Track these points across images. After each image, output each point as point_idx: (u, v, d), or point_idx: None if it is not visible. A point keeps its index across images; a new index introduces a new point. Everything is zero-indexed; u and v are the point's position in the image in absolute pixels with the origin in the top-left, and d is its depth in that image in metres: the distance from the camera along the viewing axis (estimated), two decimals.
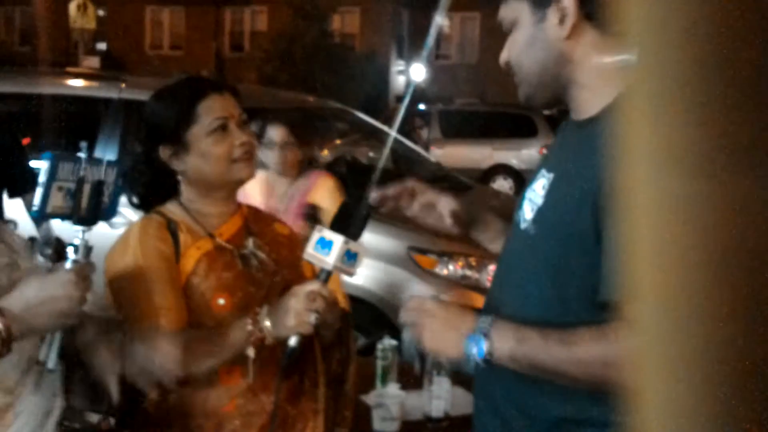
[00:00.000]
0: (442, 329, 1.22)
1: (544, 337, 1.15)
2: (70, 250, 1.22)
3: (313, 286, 1.37)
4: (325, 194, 3.02)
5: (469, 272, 3.82)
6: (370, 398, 2.14)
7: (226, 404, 1.46)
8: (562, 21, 1.18)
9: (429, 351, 1.25)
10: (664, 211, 0.37)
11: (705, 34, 0.36)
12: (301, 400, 1.53)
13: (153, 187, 1.55)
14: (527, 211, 1.28)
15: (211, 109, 1.49)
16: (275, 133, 3.01)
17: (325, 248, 1.38)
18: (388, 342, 2.30)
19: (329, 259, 1.37)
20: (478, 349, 1.18)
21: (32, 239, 1.19)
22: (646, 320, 0.39)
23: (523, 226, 1.27)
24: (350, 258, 1.39)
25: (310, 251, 1.40)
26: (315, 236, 1.40)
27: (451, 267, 3.84)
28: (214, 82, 1.56)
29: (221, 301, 1.45)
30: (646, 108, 0.37)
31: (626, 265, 0.39)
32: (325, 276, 1.39)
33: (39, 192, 1.13)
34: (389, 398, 2.06)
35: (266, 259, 1.56)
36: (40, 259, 1.15)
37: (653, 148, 0.37)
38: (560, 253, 1.18)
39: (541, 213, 1.24)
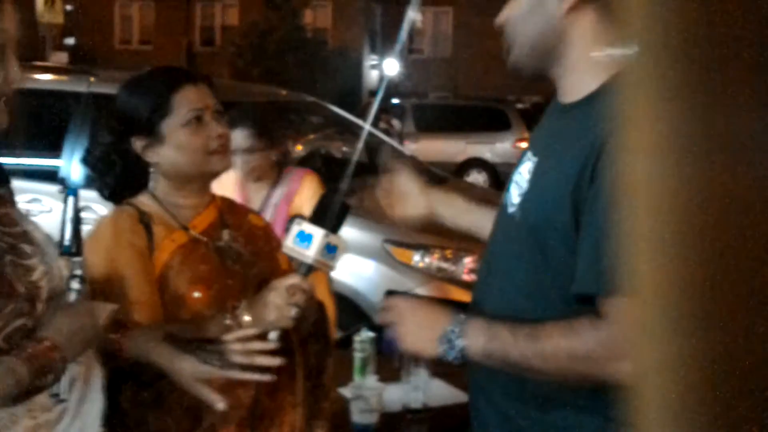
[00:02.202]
0: (417, 328, 1.23)
1: (514, 333, 1.16)
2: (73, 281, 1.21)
3: (292, 279, 1.36)
4: (312, 197, 2.70)
5: (444, 264, 3.83)
6: (348, 390, 2.14)
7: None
8: None
9: (405, 350, 1.26)
10: (655, 199, 0.37)
11: (705, 29, 0.35)
12: (279, 393, 1.51)
13: (124, 179, 1.51)
14: (514, 195, 1.27)
15: (186, 100, 1.46)
16: (239, 137, 2.61)
17: (304, 242, 1.36)
18: (365, 334, 2.29)
19: (309, 253, 1.36)
20: (452, 347, 1.19)
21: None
22: (638, 313, 0.39)
23: (510, 210, 1.27)
24: (330, 251, 1.38)
25: (290, 244, 1.38)
26: (294, 229, 1.39)
27: (427, 259, 3.84)
28: (189, 73, 1.53)
29: (197, 294, 1.43)
30: (642, 96, 0.37)
31: (615, 256, 0.38)
32: (305, 270, 1.37)
33: (69, 228, 1.13)
34: (368, 390, 2.06)
35: (242, 251, 1.54)
36: (73, 292, 1.16)
37: (646, 136, 0.37)
38: (542, 239, 1.18)
39: (525, 197, 1.24)
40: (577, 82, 1.21)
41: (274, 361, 1.30)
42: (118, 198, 1.52)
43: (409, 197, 1.60)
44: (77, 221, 1.13)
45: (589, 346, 1.10)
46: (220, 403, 1.27)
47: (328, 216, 1.39)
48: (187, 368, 1.26)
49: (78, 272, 1.14)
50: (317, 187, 2.81)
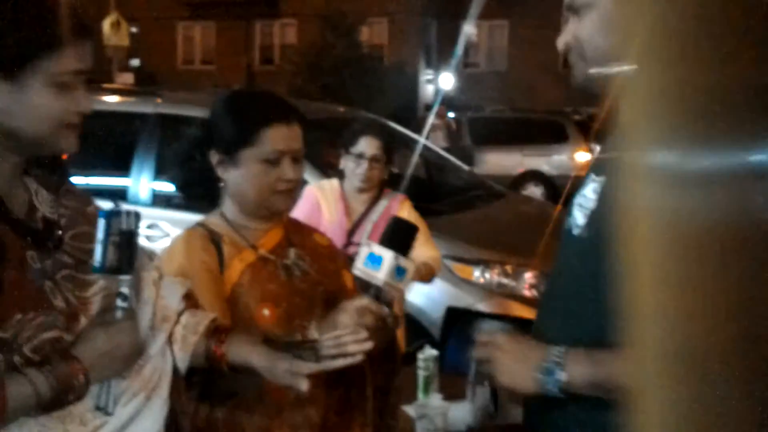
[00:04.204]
0: (514, 363, 1.20)
1: (619, 357, 1.12)
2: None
3: (362, 301, 1.36)
4: (409, 216, 2.73)
5: (505, 280, 3.79)
6: (412, 409, 2.13)
7: (273, 417, 1.45)
8: None
9: (503, 386, 1.23)
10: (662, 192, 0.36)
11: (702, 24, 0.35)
12: (348, 412, 1.52)
13: (197, 186, 1.55)
14: (579, 217, 1.26)
15: (272, 139, 1.47)
16: (369, 145, 2.74)
17: (374, 264, 1.37)
18: (428, 352, 2.28)
19: (379, 275, 1.36)
20: (553, 380, 1.16)
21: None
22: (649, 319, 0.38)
23: (576, 231, 1.25)
24: (400, 274, 1.38)
25: (360, 267, 1.39)
26: (364, 251, 1.39)
27: (487, 275, 3.81)
28: (285, 110, 1.52)
29: (266, 312, 1.45)
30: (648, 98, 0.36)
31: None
32: (375, 292, 1.38)
33: (99, 248, 1.15)
34: (432, 409, 2.05)
35: (309, 269, 1.56)
36: (118, 309, 1.18)
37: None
38: (614, 258, 1.15)
39: (594, 217, 1.22)
40: None
41: (366, 345, 1.29)
42: (190, 203, 1.54)
43: None
44: (125, 240, 1.15)
45: None
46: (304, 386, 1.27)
47: (397, 238, 1.39)
48: (286, 366, 1.27)
49: (123, 290, 1.15)
50: (414, 213, 2.84)
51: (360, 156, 2.75)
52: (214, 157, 1.51)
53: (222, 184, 1.53)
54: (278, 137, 1.48)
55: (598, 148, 1.42)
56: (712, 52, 0.36)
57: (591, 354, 1.15)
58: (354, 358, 1.28)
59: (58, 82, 1.09)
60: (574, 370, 1.15)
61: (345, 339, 1.29)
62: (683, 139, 0.37)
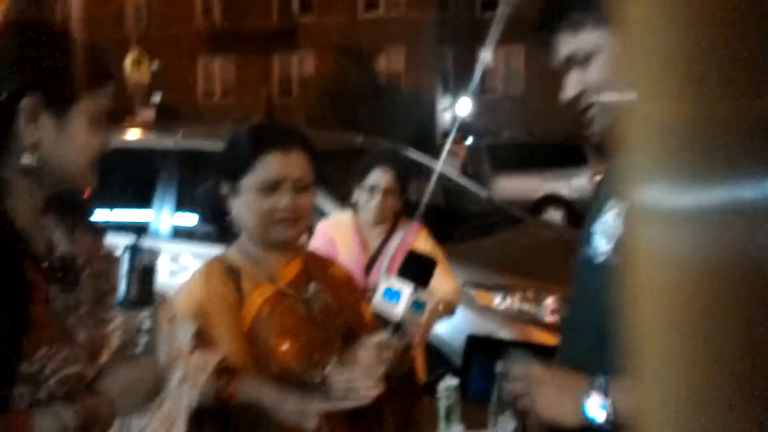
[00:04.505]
0: (556, 395, 1.17)
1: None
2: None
3: (382, 337, 1.37)
4: (426, 247, 2.73)
5: (527, 306, 3.77)
6: None
7: None
8: None
9: (546, 419, 1.18)
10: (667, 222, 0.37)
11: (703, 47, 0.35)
12: None
13: (217, 217, 1.57)
14: (602, 244, 1.23)
15: (268, 166, 1.48)
16: (381, 177, 2.68)
17: (393, 299, 1.37)
18: (449, 381, 2.27)
19: (397, 310, 1.36)
20: (602, 410, 1.12)
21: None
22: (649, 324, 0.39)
23: (600, 259, 1.22)
24: (419, 308, 1.37)
25: (378, 301, 1.39)
26: (382, 286, 1.39)
27: (508, 301, 3.79)
28: (284, 138, 1.52)
29: (285, 346, 1.46)
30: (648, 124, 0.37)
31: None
32: (394, 327, 1.38)
33: (122, 283, 1.17)
34: None
35: (328, 302, 1.57)
36: (140, 345, 1.19)
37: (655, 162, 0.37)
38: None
39: (623, 242, 1.19)
40: None
41: (376, 390, 1.29)
42: (216, 238, 1.57)
43: None
44: (146, 275, 1.16)
45: None
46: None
47: (415, 272, 1.39)
48: (295, 404, 1.27)
49: (144, 325, 1.17)
50: (431, 242, 2.80)
51: (373, 189, 2.70)
52: (224, 189, 1.54)
53: (229, 216, 1.54)
54: (274, 164, 1.48)
55: (608, 171, 1.40)
56: (721, 83, 0.36)
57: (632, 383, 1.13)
58: (364, 401, 1.29)
59: (96, 120, 1.15)
60: (620, 400, 1.11)
61: (356, 383, 1.29)
62: (691, 172, 0.37)
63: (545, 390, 1.18)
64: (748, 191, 0.35)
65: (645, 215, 0.39)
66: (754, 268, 0.35)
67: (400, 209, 2.80)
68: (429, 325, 2.70)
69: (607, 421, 1.12)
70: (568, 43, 1.20)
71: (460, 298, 2.87)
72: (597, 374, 1.15)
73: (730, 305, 0.37)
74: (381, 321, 1.42)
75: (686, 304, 0.38)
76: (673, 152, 0.37)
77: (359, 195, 2.75)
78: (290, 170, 1.49)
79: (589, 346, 1.23)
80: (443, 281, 2.67)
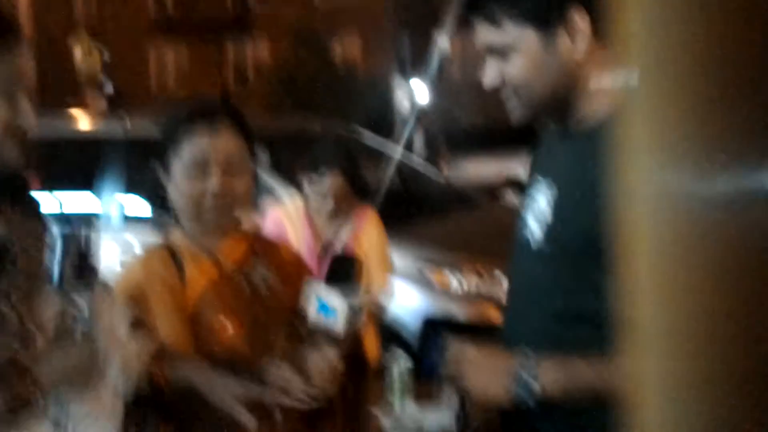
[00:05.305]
0: (486, 376, 1.19)
1: (589, 363, 1.12)
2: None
3: (329, 355, 1.38)
4: (375, 236, 2.73)
5: (484, 288, 3.80)
6: (387, 419, 2.12)
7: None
8: (573, 40, 1.16)
9: (477, 399, 1.22)
10: (665, 211, 0.37)
11: (703, 42, 0.35)
12: (319, 423, 1.51)
13: (157, 202, 1.52)
14: (535, 229, 1.24)
15: (193, 147, 1.41)
16: (332, 183, 2.64)
17: (329, 314, 1.37)
18: (402, 360, 2.28)
19: (337, 328, 1.37)
20: (528, 389, 1.15)
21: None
22: (648, 324, 0.38)
23: (534, 246, 1.24)
24: (356, 312, 1.40)
25: (314, 316, 1.39)
26: (312, 299, 1.39)
27: (464, 283, 3.82)
28: (210, 116, 1.43)
29: (230, 327, 1.44)
30: (647, 114, 0.37)
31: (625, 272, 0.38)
32: (335, 342, 1.39)
33: (56, 269, 1.14)
34: (407, 418, 2.04)
35: (274, 283, 1.54)
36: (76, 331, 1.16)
37: (654, 149, 0.37)
38: (578, 272, 1.15)
39: (552, 231, 1.20)
40: (590, 109, 1.19)
41: (311, 403, 1.30)
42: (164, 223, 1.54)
43: None
44: (83, 261, 1.13)
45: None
46: (252, 423, 1.27)
47: (342, 278, 1.40)
48: (227, 388, 1.26)
49: (80, 311, 1.14)
50: (378, 224, 2.78)
51: (325, 196, 2.67)
52: (159, 171, 1.49)
53: (168, 199, 1.49)
54: (200, 145, 1.41)
55: (534, 156, 1.41)
56: (725, 73, 0.36)
57: (561, 362, 1.15)
58: (300, 404, 1.29)
59: (3, 90, 1.08)
60: (546, 378, 1.14)
61: (293, 387, 1.30)
62: (691, 160, 0.37)
63: (477, 370, 1.20)
64: (748, 180, 0.35)
65: (644, 203, 0.38)
66: (754, 257, 0.35)
67: (354, 201, 2.76)
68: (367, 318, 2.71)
69: (533, 398, 1.14)
70: (486, 34, 1.22)
71: (389, 288, 2.78)
72: (526, 353, 1.17)
73: (729, 296, 0.36)
74: (321, 335, 1.41)
75: (684, 293, 0.37)
76: (672, 139, 0.37)
77: (310, 186, 2.70)
78: (219, 148, 1.41)
79: (526, 327, 1.25)
80: (375, 273, 2.63)
